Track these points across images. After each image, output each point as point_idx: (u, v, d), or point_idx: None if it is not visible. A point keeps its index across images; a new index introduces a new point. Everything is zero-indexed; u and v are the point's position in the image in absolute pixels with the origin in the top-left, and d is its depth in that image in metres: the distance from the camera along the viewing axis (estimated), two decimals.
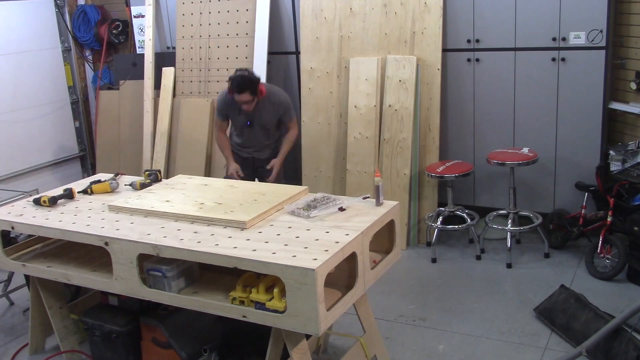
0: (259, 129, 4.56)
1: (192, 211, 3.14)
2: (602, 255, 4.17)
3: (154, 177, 3.79)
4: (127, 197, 3.47)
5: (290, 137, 4.66)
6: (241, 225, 2.94)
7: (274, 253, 2.62)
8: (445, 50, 4.84)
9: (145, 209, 3.24)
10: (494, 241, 4.82)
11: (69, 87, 6.73)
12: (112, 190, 3.68)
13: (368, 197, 3.21)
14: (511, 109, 4.78)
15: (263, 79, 5.41)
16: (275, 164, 4.61)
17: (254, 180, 4.52)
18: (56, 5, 6.53)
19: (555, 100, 4.62)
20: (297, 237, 2.78)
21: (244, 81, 4.26)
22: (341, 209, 3.06)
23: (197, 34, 5.75)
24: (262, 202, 3.20)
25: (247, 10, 5.50)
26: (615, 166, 4.18)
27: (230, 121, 4.67)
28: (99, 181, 3.76)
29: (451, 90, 4.94)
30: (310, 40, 5.24)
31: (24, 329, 3.97)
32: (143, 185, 3.68)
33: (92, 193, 3.66)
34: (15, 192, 4.38)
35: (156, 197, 3.44)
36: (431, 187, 4.95)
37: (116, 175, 3.90)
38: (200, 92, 5.79)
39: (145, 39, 6.02)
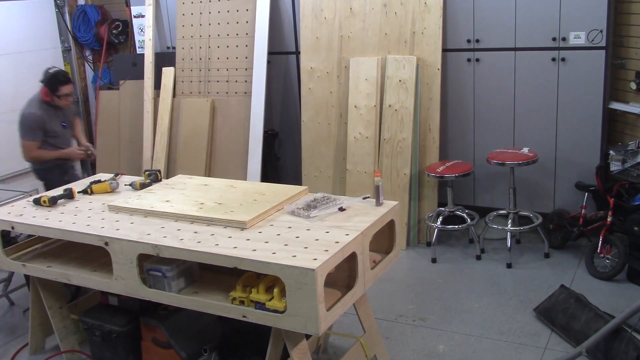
0: (69, 129, 4.90)
1: (192, 211, 3.14)
2: (602, 255, 4.17)
3: (154, 177, 3.79)
4: (127, 197, 3.47)
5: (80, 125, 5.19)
6: (241, 225, 2.94)
7: (274, 253, 2.62)
8: (445, 50, 4.84)
9: (145, 209, 3.24)
10: (494, 241, 4.82)
11: None
12: (112, 190, 3.68)
13: (368, 197, 3.21)
14: (511, 109, 4.78)
15: (262, 80, 5.43)
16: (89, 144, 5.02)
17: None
18: (56, 5, 6.53)
19: (555, 100, 4.62)
20: (297, 237, 2.78)
21: (65, 72, 4.74)
22: (341, 209, 3.06)
23: (197, 34, 5.75)
24: (262, 202, 3.20)
25: (247, 10, 5.50)
26: (615, 166, 4.19)
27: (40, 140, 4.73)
28: (99, 181, 3.76)
29: (451, 90, 4.94)
30: (310, 40, 5.24)
31: (24, 329, 3.97)
32: (143, 185, 3.68)
33: (92, 193, 3.66)
34: (15, 192, 4.37)
35: (156, 197, 3.44)
36: (431, 187, 4.95)
37: (116, 175, 3.90)
38: (200, 92, 5.79)
39: (145, 39, 6.02)
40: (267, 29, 5.39)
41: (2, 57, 6.02)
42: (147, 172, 3.83)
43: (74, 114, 5.13)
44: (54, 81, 4.55)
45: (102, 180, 3.79)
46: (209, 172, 5.70)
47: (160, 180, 3.81)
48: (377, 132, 4.99)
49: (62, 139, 4.82)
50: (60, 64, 6.61)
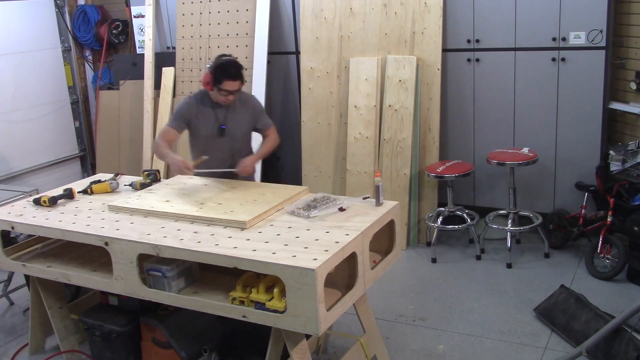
0: (230, 139, 3.78)
1: (192, 211, 3.14)
2: (602, 255, 4.17)
3: (154, 177, 3.79)
4: (127, 197, 3.47)
5: (272, 140, 3.90)
6: (241, 225, 2.94)
7: (274, 253, 2.62)
8: (445, 50, 4.83)
9: (145, 209, 3.24)
10: (494, 241, 4.82)
11: (69, 87, 6.73)
12: (112, 190, 3.68)
13: (368, 197, 3.21)
14: (511, 109, 4.78)
15: (262, 80, 5.43)
16: (249, 159, 3.75)
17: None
18: (56, 5, 6.53)
19: (555, 100, 4.62)
20: (297, 237, 2.78)
21: (237, 65, 3.62)
22: (341, 209, 3.06)
23: (197, 34, 5.75)
24: (262, 202, 3.20)
25: (247, 10, 5.50)
26: (615, 166, 4.18)
27: (190, 133, 3.81)
28: (99, 181, 3.76)
29: (451, 90, 4.94)
30: (310, 40, 5.24)
31: (24, 329, 3.97)
32: (143, 185, 3.68)
33: (92, 193, 3.66)
34: (15, 192, 4.37)
35: (156, 197, 3.44)
36: (431, 187, 4.95)
37: (116, 175, 3.90)
38: None
39: (145, 39, 6.02)
40: (267, 29, 5.39)
41: (2, 57, 6.02)
42: (145, 172, 3.83)
43: (265, 124, 3.89)
44: (220, 71, 3.58)
45: (102, 180, 3.79)
46: None
47: (160, 180, 3.81)
48: (377, 132, 4.99)
49: (211, 145, 3.77)
50: (60, 64, 6.62)
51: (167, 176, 5.84)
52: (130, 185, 3.73)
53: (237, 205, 3.18)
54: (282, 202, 3.20)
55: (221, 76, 3.56)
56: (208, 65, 3.63)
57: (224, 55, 3.68)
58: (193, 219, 3.08)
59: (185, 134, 3.85)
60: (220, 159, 3.77)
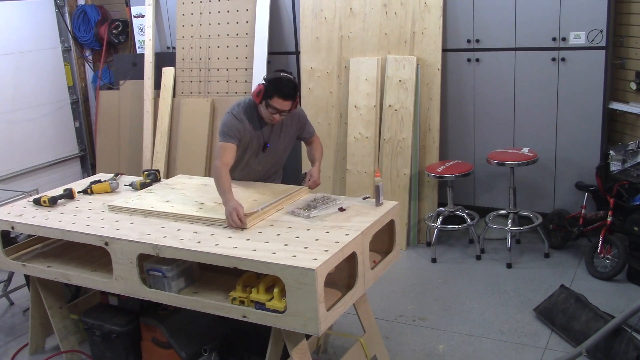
0: (271, 155, 3.61)
1: (192, 211, 3.14)
2: (602, 255, 4.17)
3: (154, 177, 3.79)
4: (127, 197, 3.47)
5: (321, 147, 3.76)
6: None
7: (274, 253, 2.62)
8: (445, 50, 4.83)
9: (145, 209, 3.24)
10: (494, 241, 4.82)
11: (69, 87, 6.73)
12: (112, 190, 3.68)
13: (368, 197, 3.21)
14: (511, 109, 4.78)
15: (262, 79, 5.42)
16: (314, 172, 3.56)
17: None
18: (56, 5, 6.53)
19: (555, 100, 4.62)
20: (297, 237, 2.78)
21: (293, 84, 3.35)
22: (341, 209, 3.06)
23: (197, 34, 5.75)
24: (262, 202, 3.19)
25: (247, 10, 5.50)
26: (615, 166, 4.18)
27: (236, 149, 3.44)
28: (99, 181, 3.76)
29: (451, 90, 4.94)
30: (310, 40, 5.24)
31: (24, 329, 3.97)
32: (143, 185, 3.68)
33: (92, 193, 3.66)
34: (15, 192, 4.37)
35: (156, 197, 3.44)
36: (431, 187, 4.95)
37: (116, 175, 3.90)
38: (200, 92, 5.79)
39: (145, 39, 6.02)
40: (267, 29, 5.39)
41: (2, 57, 6.02)
42: (145, 172, 3.83)
43: (309, 132, 3.71)
44: (273, 86, 3.29)
45: (102, 180, 3.79)
46: (208, 172, 5.69)
47: (160, 180, 3.81)
48: (377, 132, 4.99)
49: (252, 159, 3.57)
50: (60, 64, 6.62)
51: (168, 176, 5.85)
52: (130, 185, 3.73)
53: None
54: (282, 202, 3.20)
55: (273, 92, 3.28)
56: (264, 76, 3.42)
57: (283, 70, 3.42)
58: (193, 219, 3.08)
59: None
60: (258, 172, 3.63)
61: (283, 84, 3.29)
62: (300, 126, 3.62)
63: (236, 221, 2.92)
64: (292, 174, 5.71)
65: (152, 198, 3.43)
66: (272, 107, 3.30)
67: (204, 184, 3.65)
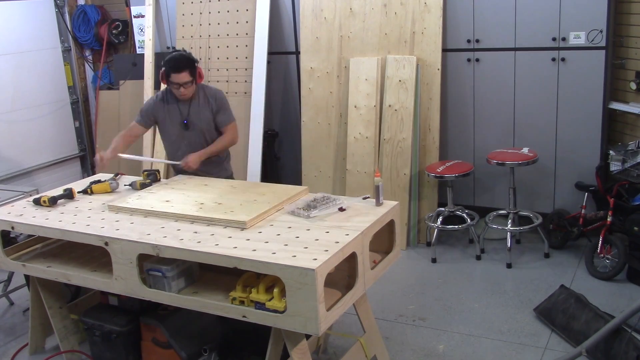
0: (196, 134, 3.93)
1: (192, 211, 3.14)
2: (602, 255, 4.17)
3: (153, 177, 3.79)
4: (127, 197, 3.47)
5: (225, 140, 3.97)
6: (241, 225, 2.94)
7: (274, 253, 2.62)
8: (445, 50, 4.83)
9: (146, 209, 3.24)
10: (494, 241, 4.82)
11: (69, 87, 6.73)
12: (112, 190, 3.68)
13: (368, 197, 3.21)
14: (511, 109, 4.78)
15: (262, 80, 5.42)
16: (193, 155, 3.85)
17: None
18: (56, 5, 6.53)
19: (555, 100, 4.62)
20: (297, 237, 2.78)
21: (182, 58, 3.79)
22: (341, 209, 3.06)
23: (197, 34, 5.75)
24: (262, 202, 3.20)
25: (247, 10, 5.50)
26: (615, 166, 4.18)
27: (159, 129, 4.04)
28: (99, 181, 3.76)
29: (451, 90, 4.94)
30: (310, 40, 5.24)
31: (24, 329, 3.97)
32: (143, 185, 3.68)
33: (92, 193, 3.66)
34: (15, 192, 4.37)
35: (156, 197, 3.44)
36: (431, 187, 4.95)
37: (116, 175, 3.90)
38: None
39: (145, 39, 6.02)
40: (267, 29, 5.39)
41: (2, 57, 6.02)
42: (145, 172, 3.83)
43: (222, 120, 3.97)
44: (166, 64, 3.80)
45: (102, 180, 3.79)
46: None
47: (159, 180, 3.81)
48: (377, 132, 4.99)
49: (181, 149, 3.97)
50: (60, 64, 6.62)
51: (168, 176, 5.85)
52: (130, 185, 3.73)
53: (237, 205, 3.18)
54: (282, 202, 3.20)
55: (168, 69, 3.76)
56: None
57: (176, 50, 3.93)
58: (193, 219, 3.08)
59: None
60: (189, 152, 3.91)
61: (173, 60, 3.77)
62: (215, 108, 3.93)
63: (99, 163, 3.74)
64: (292, 175, 5.73)
65: (152, 198, 3.43)
66: (172, 83, 3.78)
67: (204, 184, 3.65)
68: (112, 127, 6.39)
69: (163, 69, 3.80)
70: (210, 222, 3.03)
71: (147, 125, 4.04)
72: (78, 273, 3.24)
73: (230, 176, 4.16)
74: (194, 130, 3.93)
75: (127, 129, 4.07)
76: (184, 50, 3.94)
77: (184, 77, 3.75)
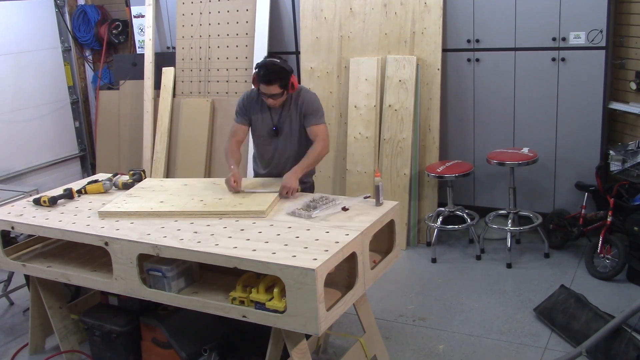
0: (285, 141, 3.63)
1: (199, 207, 3.16)
2: (602, 255, 4.17)
3: (138, 177, 3.79)
4: (116, 201, 3.41)
5: (314, 150, 3.50)
6: (260, 215, 3.03)
7: (274, 253, 2.62)
8: (445, 50, 4.83)
9: (146, 211, 3.24)
10: (494, 241, 4.82)
11: (69, 87, 6.73)
12: (105, 190, 3.68)
13: (369, 197, 3.21)
14: (511, 109, 4.78)
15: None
16: (286, 178, 3.38)
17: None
18: (56, 5, 6.53)
19: (555, 100, 4.62)
20: (297, 237, 2.78)
21: (274, 69, 3.40)
22: (344, 209, 3.05)
23: (197, 34, 5.75)
24: (263, 194, 3.27)
25: (247, 10, 5.50)
26: (615, 166, 4.18)
27: (250, 129, 3.71)
28: (96, 181, 3.76)
29: (451, 90, 4.94)
30: (310, 40, 5.24)
31: (24, 329, 3.97)
32: (125, 185, 3.68)
33: (86, 193, 3.66)
34: (15, 192, 4.37)
35: (148, 199, 3.42)
36: (431, 187, 4.95)
37: (115, 175, 3.90)
38: (200, 92, 5.79)
39: (145, 39, 6.02)
40: (267, 29, 5.39)
41: (2, 57, 6.02)
42: (131, 172, 3.83)
43: (310, 124, 3.54)
44: (257, 72, 3.45)
45: (100, 180, 3.79)
46: (208, 172, 5.70)
47: (145, 179, 3.81)
48: (377, 132, 4.99)
49: (269, 153, 3.69)
50: (60, 64, 6.62)
51: (168, 176, 5.85)
52: (113, 184, 3.72)
53: (240, 199, 3.22)
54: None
55: (258, 78, 3.44)
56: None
57: (273, 55, 3.49)
58: (204, 215, 3.10)
59: None
60: (278, 159, 3.67)
61: (264, 69, 3.40)
62: (302, 110, 3.56)
63: (231, 184, 3.37)
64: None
65: (141, 201, 3.40)
66: (262, 92, 3.46)
67: (184, 184, 3.68)
68: (112, 127, 6.40)
69: (255, 72, 3.47)
70: (223, 215, 3.07)
71: (248, 125, 3.66)
72: (78, 273, 3.24)
73: (312, 186, 3.87)
74: (283, 137, 3.62)
75: (231, 132, 3.68)
76: (279, 59, 3.50)
77: (274, 89, 3.40)
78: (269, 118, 3.59)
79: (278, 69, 3.40)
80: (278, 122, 3.59)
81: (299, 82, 5.40)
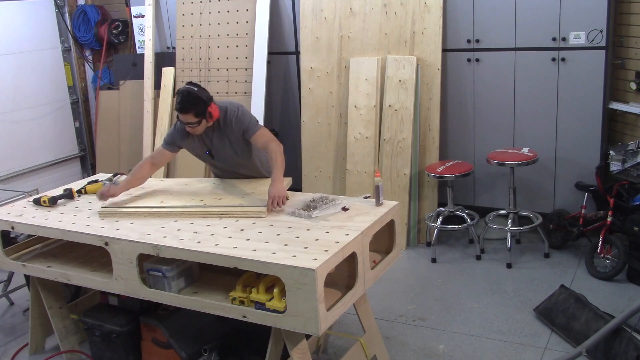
0: (225, 158, 3.60)
1: (199, 207, 3.18)
2: (602, 255, 4.17)
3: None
4: (117, 203, 3.41)
5: (274, 153, 3.37)
6: (260, 215, 3.04)
7: (274, 253, 2.62)
8: (445, 50, 4.83)
9: (146, 210, 3.24)
10: (494, 241, 4.82)
11: (69, 87, 6.73)
12: None
13: (369, 197, 3.21)
14: (511, 109, 4.78)
15: (262, 80, 5.42)
16: (272, 187, 3.17)
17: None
18: (56, 5, 6.53)
19: (555, 100, 4.62)
20: (297, 237, 2.78)
21: (189, 98, 3.29)
22: (344, 209, 3.05)
23: (197, 34, 5.75)
24: (262, 193, 3.25)
25: (247, 10, 5.50)
26: (615, 166, 4.18)
27: (177, 153, 3.65)
28: (96, 181, 3.76)
29: (451, 90, 4.94)
30: (310, 40, 5.24)
31: (24, 329, 3.97)
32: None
33: (86, 193, 3.66)
34: (15, 192, 4.37)
35: (147, 199, 3.43)
36: (431, 187, 4.95)
37: (115, 175, 3.90)
38: None
39: (145, 39, 6.02)
40: (267, 29, 5.39)
41: (2, 57, 6.02)
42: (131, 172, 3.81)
43: (252, 132, 3.45)
44: (176, 99, 3.41)
45: (100, 180, 3.78)
46: (208, 172, 5.69)
47: None
48: (377, 132, 4.99)
49: (219, 166, 3.69)
50: (60, 64, 6.62)
51: (168, 176, 5.85)
52: (113, 184, 3.70)
53: (241, 198, 3.22)
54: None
55: (176, 105, 3.36)
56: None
57: (191, 83, 3.41)
58: (205, 214, 3.10)
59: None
60: (227, 173, 3.68)
61: (179, 97, 3.30)
62: (241, 130, 3.45)
63: (104, 192, 3.36)
64: (292, 175, 5.71)
65: (141, 202, 3.40)
66: (180, 119, 3.37)
67: (184, 184, 3.68)
68: (112, 127, 6.40)
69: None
70: (223, 214, 3.07)
71: (172, 152, 3.61)
72: (78, 273, 3.24)
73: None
74: (221, 157, 3.59)
75: (151, 155, 3.70)
76: (195, 86, 3.37)
77: (189, 118, 3.31)
78: (201, 143, 3.52)
79: (193, 99, 3.28)
80: (212, 146, 3.52)
81: (299, 82, 5.42)
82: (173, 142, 3.55)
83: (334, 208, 3.07)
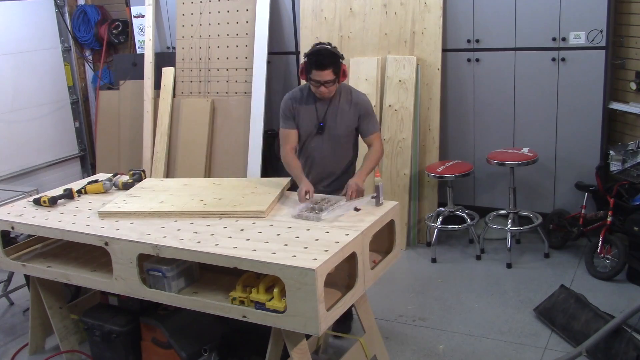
0: (330, 139, 3.48)
1: (200, 207, 3.16)
2: (602, 255, 4.17)
3: (138, 177, 3.78)
4: (115, 202, 3.41)
5: (375, 153, 3.45)
6: (260, 215, 3.02)
7: (274, 253, 2.62)
8: (445, 50, 4.83)
9: (146, 211, 3.24)
10: (494, 241, 4.82)
11: (69, 87, 6.73)
12: (105, 190, 3.67)
13: (375, 197, 3.19)
14: (511, 109, 4.78)
15: (262, 80, 5.43)
16: (352, 181, 3.29)
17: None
18: (56, 5, 6.53)
19: (555, 100, 4.62)
20: (297, 237, 2.78)
21: (327, 53, 3.29)
22: (356, 209, 3.03)
23: (197, 34, 5.75)
24: (262, 193, 3.26)
25: (247, 10, 5.50)
26: (615, 166, 4.18)
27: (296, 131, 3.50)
28: (96, 181, 3.76)
29: (451, 90, 4.94)
30: (310, 40, 5.23)
31: (24, 329, 3.97)
32: (125, 185, 3.67)
33: (86, 193, 3.66)
34: (15, 192, 4.37)
35: (148, 199, 3.42)
36: (431, 187, 4.95)
37: (115, 175, 3.90)
38: (200, 92, 5.79)
39: (145, 39, 6.02)
40: (267, 29, 5.39)
41: (2, 57, 6.02)
42: (131, 172, 3.83)
43: (367, 129, 3.49)
44: (309, 58, 3.32)
45: (100, 180, 3.78)
46: (208, 172, 5.70)
47: (144, 179, 3.80)
48: None
49: (309, 143, 3.53)
50: (60, 64, 6.62)
51: (168, 176, 5.85)
52: (113, 184, 3.72)
53: (240, 199, 3.22)
54: (281, 192, 3.29)
55: (310, 65, 3.30)
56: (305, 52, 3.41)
57: (321, 43, 3.39)
58: (204, 215, 3.09)
59: None
60: (319, 160, 3.53)
61: (317, 54, 3.28)
62: (358, 114, 3.45)
63: (302, 195, 3.18)
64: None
65: (141, 202, 3.39)
66: (313, 80, 3.32)
67: (184, 184, 3.67)
68: (112, 127, 6.40)
69: (304, 62, 3.34)
70: (223, 215, 3.06)
71: (295, 128, 3.50)
72: (78, 273, 3.24)
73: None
74: (327, 136, 3.48)
75: (283, 139, 3.49)
76: (329, 44, 3.36)
77: (327, 75, 3.27)
78: (314, 113, 3.45)
79: (331, 53, 3.30)
80: (325, 118, 3.44)
81: (299, 82, 5.41)
82: (291, 116, 3.46)
83: (341, 209, 3.03)
